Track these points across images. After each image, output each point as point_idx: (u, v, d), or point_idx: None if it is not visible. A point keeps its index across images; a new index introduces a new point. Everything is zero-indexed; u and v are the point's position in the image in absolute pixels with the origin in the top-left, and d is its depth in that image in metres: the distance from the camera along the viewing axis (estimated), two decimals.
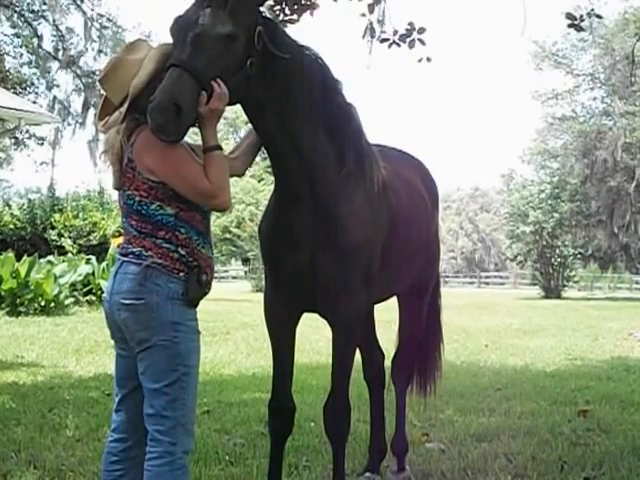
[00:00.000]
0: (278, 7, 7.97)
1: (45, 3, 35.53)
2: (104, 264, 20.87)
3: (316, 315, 4.68)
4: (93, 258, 21.79)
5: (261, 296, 4.76)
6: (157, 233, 3.70)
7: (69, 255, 22.88)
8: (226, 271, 63.88)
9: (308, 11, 8.11)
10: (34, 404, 8.04)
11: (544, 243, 41.85)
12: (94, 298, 20.25)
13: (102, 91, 4.01)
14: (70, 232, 24.26)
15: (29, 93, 38.22)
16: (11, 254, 19.57)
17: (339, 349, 4.58)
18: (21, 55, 38.64)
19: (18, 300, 18.38)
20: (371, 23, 8.56)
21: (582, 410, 8.12)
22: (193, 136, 4.15)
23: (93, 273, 20.80)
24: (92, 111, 33.24)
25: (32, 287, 18.51)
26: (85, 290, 20.72)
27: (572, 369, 11.72)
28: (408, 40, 8.36)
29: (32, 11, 36.47)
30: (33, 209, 25.66)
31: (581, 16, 7.95)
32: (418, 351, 6.01)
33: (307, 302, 4.56)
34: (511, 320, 21.43)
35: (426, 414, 7.71)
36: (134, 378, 3.82)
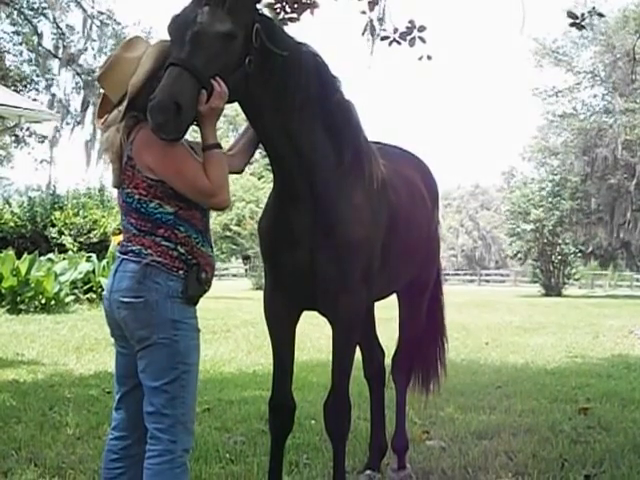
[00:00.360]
0: (279, 5, 7.96)
1: (45, 1, 35.52)
2: (104, 262, 20.86)
3: (317, 313, 4.68)
4: (93, 256, 21.78)
5: (261, 294, 4.75)
6: (156, 231, 3.70)
7: (69, 253, 22.87)
8: (226, 269, 63.92)
9: (308, 10, 8.11)
10: (34, 402, 8.04)
11: (545, 241, 41.86)
12: (94, 296, 20.25)
13: (101, 89, 4.00)
14: (70, 230, 24.26)
15: (29, 91, 38.25)
16: (11, 252, 19.58)
17: (339, 347, 4.58)
18: (21, 53, 38.70)
19: (18, 298, 18.38)
20: (371, 21, 8.55)
21: (583, 408, 8.11)
22: (193, 134, 4.15)
23: (93, 271, 20.79)
24: (91, 109, 33.22)
25: (32, 285, 18.51)
26: (85, 288, 20.71)
27: (573, 367, 11.71)
28: (408, 38, 8.36)
29: (32, 9, 36.47)
30: (33, 207, 25.65)
31: (582, 15, 7.94)
32: (419, 349, 6.01)
33: (307, 300, 4.56)
34: (511, 318, 21.43)
35: (426, 412, 7.71)
36: (134, 376, 3.81)
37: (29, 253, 19.71)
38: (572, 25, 7.95)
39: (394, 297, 5.71)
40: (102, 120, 3.87)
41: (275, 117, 4.17)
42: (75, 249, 23.54)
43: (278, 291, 4.61)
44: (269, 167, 4.58)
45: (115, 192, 3.98)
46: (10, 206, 26.69)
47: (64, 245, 23.73)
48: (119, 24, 36.35)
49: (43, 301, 18.77)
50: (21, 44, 38.10)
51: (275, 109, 4.15)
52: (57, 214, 24.57)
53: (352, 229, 4.40)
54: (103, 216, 24.82)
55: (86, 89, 34.27)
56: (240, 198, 57.63)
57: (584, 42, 44.61)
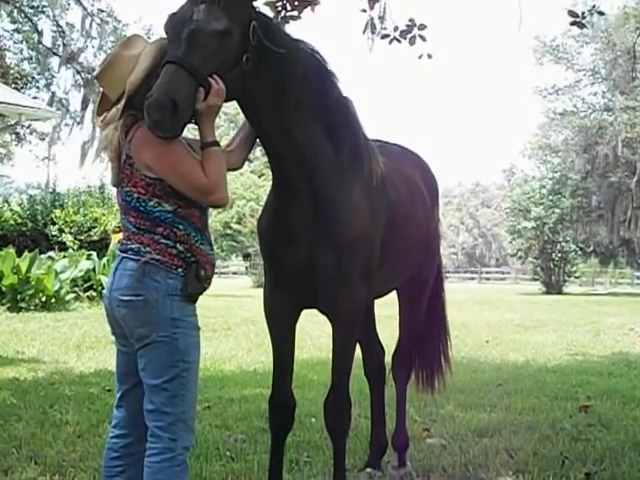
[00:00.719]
0: (280, 3, 7.95)
1: None
2: (105, 260, 20.86)
3: (317, 310, 4.68)
4: (94, 254, 21.79)
5: (262, 291, 4.76)
6: (155, 229, 3.69)
7: (70, 251, 22.88)
8: (227, 267, 63.92)
9: (309, 7, 8.09)
10: (35, 400, 8.04)
11: (545, 238, 41.89)
12: (95, 294, 20.26)
13: (100, 87, 4.00)
14: (71, 228, 24.25)
15: (29, 89, 38.22)
16: (12, 250, 19.59)
17: (339, 345, 4.58)
18: (21, 51, 38.64)
19: (19, 296, 18.40)
20: (372, 19, 8.54)
21: (583, 406, 8.11)
22: (193, 131, 4.15)
23: (94, 269, 20.81)
24: (91, 107, 33.16)
25: (33, 283, 18.53)
26: (86, 286, 20.73)
27: (573, 365, 11.71)
28: (409, 36, 8.34)
29: (32, 7, 36.43)
30: (34, 205, 25.65)
31: (583, 13, 7.92)
32: (421, 346, 6.01)
33: (307, 298, 4.56)
34: (512, 316, 21.43)
35: (427, 410, 7.73)
36: (135, 374, 3.81)
37: (29, 251, 19.73)
38: (573, 24, 7.93)
39: (394, 294, 5.71)
40: (101, 118, 3.86)
41: (273, 114, 4.17)
42: (75, 247, 23.54)
43: (278, 289, 4.61)
44: (269, 165, 4.58)
45: (115, 190, 3.98)
46: (9, 204, 26.68)
47: (64, 243, 23.73)
48: (119, 22, 36.33)
49: (43, 299, 18.80)
50: (21, 42, 38.07)
51: (273, 106, 4.15)
52: (57, 212, 24.56)
53: (351, 226, 4.40)
54: (103, 214, 24.80)
55: (86, 87, 34.22)
56: (240, 196, 57.58)
57: (584, 40, 44.59)
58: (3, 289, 18.33)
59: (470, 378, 9.93)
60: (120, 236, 4.04)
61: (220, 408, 7.88)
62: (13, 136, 39.52)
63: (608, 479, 5.65)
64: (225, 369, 10.66)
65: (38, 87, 39.11)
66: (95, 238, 24.22)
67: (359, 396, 7.09)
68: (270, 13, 7.60)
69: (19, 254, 19.30)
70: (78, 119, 35.23)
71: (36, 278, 18.50)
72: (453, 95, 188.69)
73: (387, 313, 7.55)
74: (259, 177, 58.96)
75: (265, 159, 4.75)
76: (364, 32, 8.54)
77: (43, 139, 39.26)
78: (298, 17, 7.96)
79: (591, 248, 47.00)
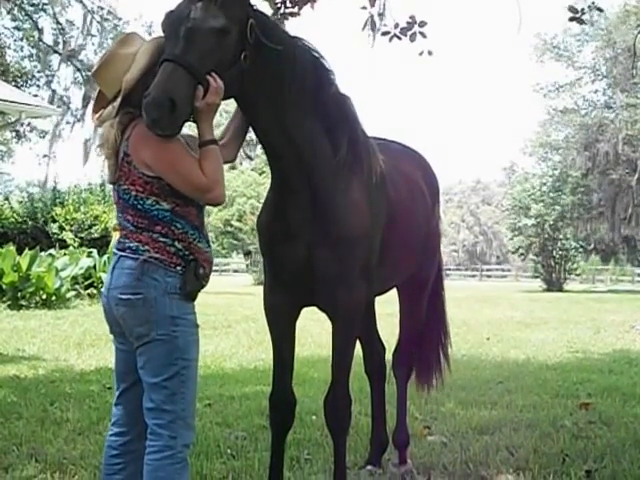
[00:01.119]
0: (279, 0, 7.95)
1: None
2: (106, 257, 20.85)
3: (317, 308, 4.68)
4: (94, 251, 21.80)
5: (262, 289, 4.75)
6: (154, 228, 3.69)
7: (70, 248, 22.89)
8: (227, 264, 63.92)
9: (309, 4, 8.09)
10: (35, 397, 8.04)
11: (546, 236, 41.84)
12: (95, 291, 20.25)
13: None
14: (71, 225, 24.25)
15: (30, 86, 38.20)
16: (12, 247, 19.58)
17: (339, 342, 4.58)
18: (22, 48, 38.63)
19: (19, 293, 18.40)
20: (372, 16, 8.54)
21: (584, 403, 8.11)
22: (194, 129, 4.14)
23: (94, 266, 20.82)
24: (92, 105, 33.20)
25: (33, 280, 18.52)
26: (86, 283, 20.74)
27: (574, 362, 11.71)
28: (409, 33, 8.34)
29: (33, 4, 36.39)
30: (34, 202, 25.65)
31: (582, 9, 7.93)
32: (421, 344, 6.01)
33: (306, 295, 4.56)
34: (513, 313, 21.43)
35: (427, 407, 7.72)
36: (134, 372, 3.81)
37: (30, 249, 19.71)
38: (572, 20, 7.93)
39: (395, 292, 5.71)
40: (97, 115, 3.86)
41: (271, 112, 4.17)
42: (76, 245, 23.54)
43: (278, 287, 4.61)
44: (268, 162, 4.57)
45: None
46: (9, 202, 26.68)
47: (65, 241, 23.73)
48: (119, 19, 36.32)
49: (44, 297, 18.80)
50: (22, 40, 38.07)
51: (271, 104, 4.15)
52: (58, 210, 24.57)
53: (350, 224, 4.39)
54: (104, 212, 24.80)
55: (87, 84, 34.23)
56: (241, 194, 57.63)
57: (585, 37, 44.56)
58: (4, 287, 18.33)
59: (471, 375, 9.93)
60: None
61: (221, 406, 7.88)
62: (13, 134, 39.52)
63: (609, 476, 5.64)
64: (226, 367, 10.66)
65: (38, 85, 39.10)
66: (96, 236, 24.22)
67: (359, 394, 7.09)
68: (269, 10, 7.61)
69: (20, 252, 19.29)
70: (79, 116, 35.32)
71: (37, 276, 18.49)
72: (453, 93, 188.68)
73: (388, 311, 7.56)
74: (260, 174, 59.00)
75: (265, 157, 4.70)
76: (364, 29, 8.54)
77: (43, 137, 39.27)
78: (297, 14, 7.96)
79: (592, 245, 47.03)
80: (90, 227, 24.41)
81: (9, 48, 38.32)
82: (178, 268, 3.70)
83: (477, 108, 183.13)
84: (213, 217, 56.25)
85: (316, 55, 4.37)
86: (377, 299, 5.58)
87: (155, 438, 3.70)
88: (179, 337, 3.69)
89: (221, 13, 3.73)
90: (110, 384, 8.19)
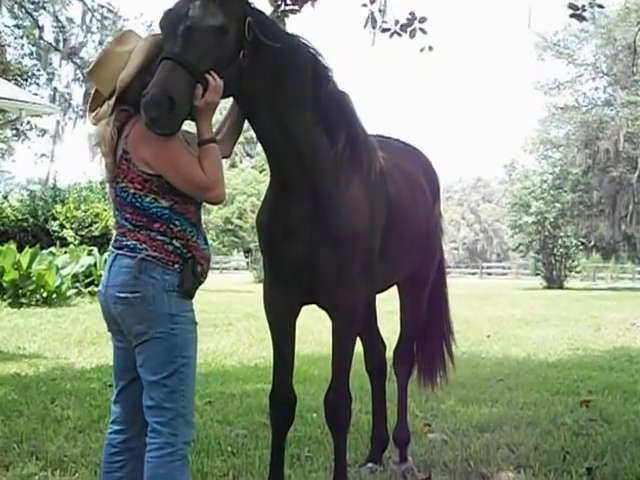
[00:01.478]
0: None
1: None
2: (106, 255, 20.82)
3: (317, 306, 4.67)
4: (95, 249, 21.78)
5: (262, 287, 4.75)
6: (152, 226, 3.69)
7: (71, 246, 22.87)
8: (228, 262, 63.97)
9: (309, 1, 8.08)
10: (36, 395, 8.04)
11: (546, 233, 41.81)
12: (96, 289, 20.14)
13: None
14: (72, 223, 24.23)
15: (30, 84, 38.21)
16: (13, 245, 19.57)
17: (339, 340, 4.58)
18: (22, 46, 38.63)
19: (20, 291, 18.40)
20: (372, 13, 8.53)
21: (584, 400, 8.11)
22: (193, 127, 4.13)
23: (95, 264, 20.81)
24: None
25: (34, 278, 18.52)
26: (87, 281, 20.73)
27: (574, 359, 11.71)
28: (409, 30, 8.33)
29: (33, 2, 36.40)
30: (34, 200, 25.64)
31: (583, 6, 7.91)
32: (422, 341, 6.01)
33: (306, 293, 4.55)
34: (513, 310, 21.42)
35: (428, 405, 7.72)
36: (132, 369, 3.82)
37: (30, 247, 19.69)
38: (572, 16, 7.92)
39: (395, 289, 5.71)
40: (93, 114, 3.85)
41: (270, 109, 4.16)
42: (76, 242, 23.52)
43: (278, 284, 4.61)
44: (267, 160, 4.57)
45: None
46: (8, 200, 26.66)
47: (65, 238, 23.71)
48: (119, 17, 36.32)
49: (44, 294, 18.80)
50: (22, 37, 38.07)
51: (270, 102, 4.14)
52: (58, 207, 24.54)
53: (350, 221, 4.39)
54: (104, 209, 24.74)
55: (88, 82, 34.23)
56: (241, 191, 57.65)
57: (585, 35, 44.54)
58: (4, 285, 18.32)
59: (471, 373, 9.93)
60: None
61: (221, 403, 7.88)
62: (14, 132, 39.53)
63: (609, 474, 5.64)
64: (226, 364, 10.66)
65: (38, 83, 39.13)
66: (96, 233, 24.20)
67: (360, 391, 7.09)
68: (270, 8, 7.60)
69: (20, 250, 19.26)
70: (81, 113, 35.32)
71: (37, 274, 18.49)
72: (454, 90, 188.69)
73: (388, 308, 7.55)
74: (260, 172, 59.02)
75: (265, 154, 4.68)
76: (365, 26, 8.53)
77: (42, 135, 39.28)
78: (298, 11, 7.95)
79: (592, 243, 46.97)
80: (90, 225, 24.39)
81: (9, 46, 38.34)
82: (176, 266, 3.70)
83: (477, 105, 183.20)
84: (214, 215, 56.30)
85: (314, 52, 4.36)
86: (377, 297, 5.58)
87: (155, 436, 3.70)
88: (178, 335, 3.69)
89: (219, 11, 3.74)
90: (110, 382, 8.15)
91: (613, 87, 44.46)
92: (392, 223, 4.78)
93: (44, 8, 36.68)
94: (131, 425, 3.91)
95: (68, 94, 37.89)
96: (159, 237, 3.68)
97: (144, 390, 3.76)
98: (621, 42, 40.98)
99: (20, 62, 38.69)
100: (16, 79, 35.88)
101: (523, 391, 8.77)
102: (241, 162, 66.05)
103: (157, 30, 3.86)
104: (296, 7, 7.95)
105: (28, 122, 37.25)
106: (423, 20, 8.29)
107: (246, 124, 4.35)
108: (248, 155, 68.05)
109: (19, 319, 15.70)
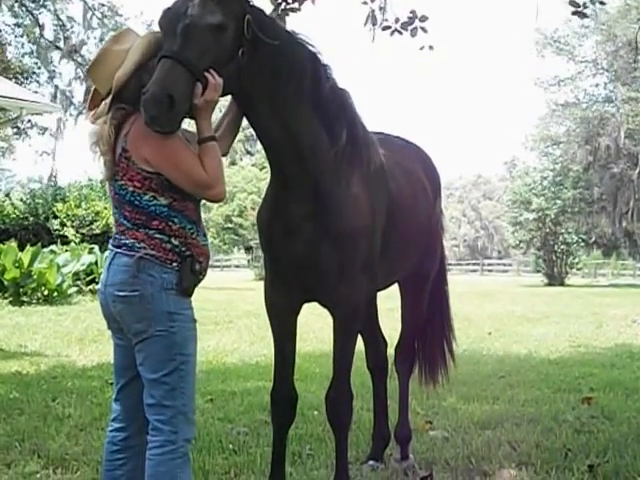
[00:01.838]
0: None
1: None
2: (107, 253, 20.80)
3: (318, 304, 4.67)
4: (96, 247, 21.78)
5: (263, 285, 4.75)
6: (150, 224, 3.69)
7: (72, 244, 22.87)
8: (229, 260, 63.96)
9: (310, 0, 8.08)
10: (37, 393, 8.04)
11: (547, 230, 41.78)
12: (97, 287, 20.15)
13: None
14: (73, 221, 24.23)
15: (30, 83, 38.22)
16: (14, 244, 19.58)
17: (340, 337, 4.58)
18: (22, 45, 38.65)
19: (21, 290, 18.42)
20: (373, 11, 8.54)
21: (586, 397, 8.10)
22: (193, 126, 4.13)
23: (96, 262, 20.80)
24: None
25: (35, 277, 18.53)
26: (88, 279, 20.73)
27: (576, 356, 11.70)
28: (410, 28, 8.34)
29: (33, 0, 36.41)
30: (35, 199, 25.64)
31: (584, 3, 7.91)
32: (423, 339, 6.01)
33: (307, 291, 4.56)
34: (514, 307, 21.42)
35: (429, 402, 7.72)
36: (132, 367, 3.82)
37: (31, 245, 19.71)
38: (574, 14, 7.92)
39: (396, 287, 5.70)
40: (92, 113, 3.85)
41: (269, 107, 4.16)
42: (77, 241, 23.52)
43: (278, 282, 4.61)
44: (267, 157, 4.56)
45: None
46: (11, 199, 26.66)
47: (66, 237, 23.71)
48: (120, 16, 36.32)
49: (46, 293, 18.82)
50: (22, 36, 38.07)
51: (269, 99, 4.14)
52: (59, 206, 24.54)
53: (350, 219, 4.39)
54: (105, 207, 24.71)
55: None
56: (241, 189, 57.64)
57: (585, 31, 44.47)
58: (5, 283, 18.34)
59: (472, 370, 9.92)
60: None
61: (222, 401, 7.88)
62: (14, 130, 39.55)
63: (611, 471, 5.63)
64: (227, 362, 10.66)
65: (39, 81, 39.16)
66: (97, 231, 24.19)
67: (361, 389, 7.08)
68: (270, 6, 7.59)
69: (21, 248, 19.28)
70: (82, 111, 35.32)
71: (38, 272, 18.50)
72: (454, 87, 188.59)
73: (389, 306, 7.54)
74: (260, 170, 59.00)
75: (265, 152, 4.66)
76: (365, 24, 8.54)
77: (43, 133, 39.30)
78: (298, 9, 7.95)
79: (593, 240, 46.93)
80: (91, 223, 24.39)
81: (10, 45, 38.35)
82: (174, 264, 3.70)
83: (478, 102, 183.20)
84: (214, 213, 56.29)
85: (313, 50, 4.36)
86: (378, 294, 5.58)
87: (156, 433, 3.70)
88: (177, 333, 3.69)
89: (218, 9, 3.74)
90: (112, 379, 8.17)
91: (614, 83, 44.40)
92: (393, 221, 4.77)
93: (44, 7, 36.70)
94: (132, 423, 3.92)
95: (69, 92, 37.91)
96: (157, 235, 3.69)
97: (145, 388, 3.76)
98: (621, 38, 40.95)
99: (21, 60, 38.71)
100: (17, 77, 35.91)
101: (524, 388, 8.77)
102: (241, 160, 66.04)
103: (157, 29, 3.86)
104: (296, 5, 7.95)
105: (29, 121, 37.27)
106: (424, 19, 8.29)
107: (245, 122, 4.35)
108: (248, 153, 68.06)
109: (20, 317, 15.70)
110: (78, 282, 20.39)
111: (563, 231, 42.14)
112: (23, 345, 11.81)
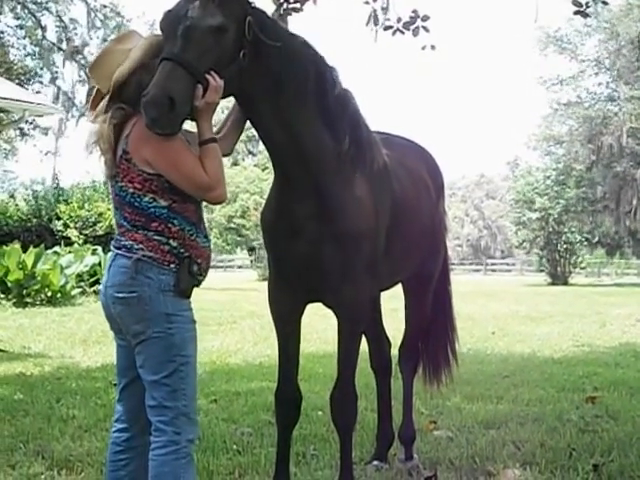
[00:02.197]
0: None
1: None
2: (110, 254, 20.78)
3: (322, 304, 4.67)
4: (99, 248, 21.75)
5: (267, 285, 4.75)
6: (150, 225, 3.69)
7: (75, 246, 22.86)
8: (232, 260, 63.95)
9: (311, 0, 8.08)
10: (42, 395, 8.05)
11: (550, 229, 41.76)
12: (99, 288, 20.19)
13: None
14: (76, 223, 24.21)
15: (33, 84, 38.26)
16: (17, 245, 19.58)
17: (344, 338, 4.58)
18: (25, 46, 38.68)
19: (25, 291, 18.42)
20: (375, 11, 8.54)
21: (590, 397, 8.10)
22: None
23: (99, 263, 20.78)
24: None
25: (39, 278, 18.54)
26: (92, 280, 20.71)
27: (580, 356, 11.69)
28: (412, 27, 8.35)
29: (35, 2, 36.46)
30: (38, 200, 25.64)
31: (587, 2, 7.90)
32: (427, 340, 6.00)
33: (311, 291, 4.56)
34: (518, 307, 21.41)
35: (433, 402, 7.71)
36: (134, 368, 3.83)
37: (35, 246, 19.72)
38: (576, 13, 7.91)
39: (399, 287, 5.70)
40: (93, 112, 3.86)
41: (272, 108, 4.16)
42: (81, 242, 23.50)
43: (282, 283, 4.61)
44: (270, 158, 4.57)
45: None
46: (14, 200, 26.67)
47: (70, 238, 23.69)
48: (122, 17, 36.36)
49: (49, 294, 18.81)
50: (24, 38, 38.11)
51: (271, 101, 4.14)
52: (62, 207, 24.53)
53: (354, 219, 4.39)
54: (108, 209, 24.63)
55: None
56: (244, 190, 57.58)
57: (588, 30, 44.37)
58: (9, 284, 18.35)
59: (476, 370, 9.92)
60: None
61: (226, 401, 7.88)
62: (17, 132, 39.58)
63: (616, 470, 5.62)
64: (231, 362, 10.67)
65: (41, 82, 39.19)
66: (100, 233, 24.15)
67: (365, 389, 7.08)
68: (272, 6, 7.59)
69: (24, 249, 19.27)
70: (84, 111, 35.35)
71: (42, 273, 18.50)
72: (457, 87, 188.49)
73: (393, 306, 7.54)
74: (262, 170, 58.96)
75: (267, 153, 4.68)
76: (367, 24, 8.54)
77: (46, 134, 39.33)
78: (300, 9, 7.95)
79: (596, 239, 46.86)
80: (94, 224, 24.36)
81: (12, 47, 38.39)
82: (172, 266, 3.70)
83: (480, 102, 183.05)
84: (217, 213, 56.24)
85: (315, 51, 4.36)
86: (382, 294, 5.58)
87: (159, 434, 3.71)
88: (175, 334, 3.70)
89: (219, 11, 3.74)
90: (116, 381, 8.20)
91: (616, 82, 44.31)
92: (396, 221, 4.77)
93: (47, 8, 36.73)
94: (134, 423, 3.93)
95: (72, 93, 37.95)
96: (156, 237, 3.69)
97: (146, 390, 3.77)
98: (624, 37, 40.88)
99: (23, 62, 38.75)
100: (19, 78, 35.92)
101: (528, 388, 8.77)
102: (243, 160, 66.02)
103: (159, 30, 3.87)
104: (298, 5, 7.95)
105: (32, 122, 37.28)
106: (426, 18, 8.30)
107: (248, 122, 4.35)
108: (250, 153, 68.06)
109: (24, 319, 15.70)
110: (81, 283, 20.40)
111: (566, 230, 42.11)
112: (27, 346, 11.81)
